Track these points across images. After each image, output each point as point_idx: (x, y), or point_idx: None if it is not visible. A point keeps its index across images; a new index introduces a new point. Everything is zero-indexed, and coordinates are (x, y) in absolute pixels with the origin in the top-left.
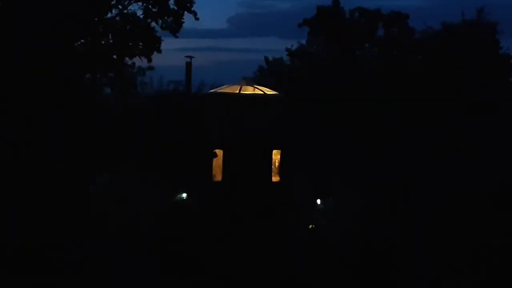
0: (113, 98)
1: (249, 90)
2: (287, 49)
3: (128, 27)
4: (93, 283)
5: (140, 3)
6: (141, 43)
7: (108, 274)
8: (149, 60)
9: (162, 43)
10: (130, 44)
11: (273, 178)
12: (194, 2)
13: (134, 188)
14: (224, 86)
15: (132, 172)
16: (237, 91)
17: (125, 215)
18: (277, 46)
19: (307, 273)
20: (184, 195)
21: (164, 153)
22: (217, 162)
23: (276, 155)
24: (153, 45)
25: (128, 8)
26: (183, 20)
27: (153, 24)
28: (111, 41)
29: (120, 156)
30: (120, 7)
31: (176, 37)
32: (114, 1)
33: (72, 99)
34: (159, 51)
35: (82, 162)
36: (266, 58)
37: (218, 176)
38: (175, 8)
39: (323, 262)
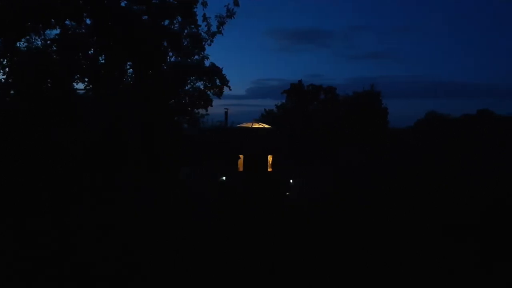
0: (187, 130)
1: (256, 125)
2: (276, 105)
3: (195, 94)
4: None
5: (201, 82)
6: (202, 102)
7: (192, 218)
8: (206, 110)
9: (213, 102)
10: (197, 102)
11: (268, 169)
12: (229, 81)
13: (202, 175)
14: (244, 123)
15: (201, 167)
16: (251, 126)
17: (198, 188)
18: (271, 103)
19: (285, 213)
20: (224, 178)
21: (215, 157)
22: (240, 161)
23: (270, 158)
24: (208, 103)
25: (196, 83)
26: (223, 90)
27: (208, 92)
28: (187, 100)
29: (195, 160)
30: (191, 83)
31: (220, 98)
32: (189, 80)
33: (172, 132)
34: (211, 106)
35: (176, 161)
36: (265, 109)
37: (240, 168)
38: (220, 84)
39: (291, 210)
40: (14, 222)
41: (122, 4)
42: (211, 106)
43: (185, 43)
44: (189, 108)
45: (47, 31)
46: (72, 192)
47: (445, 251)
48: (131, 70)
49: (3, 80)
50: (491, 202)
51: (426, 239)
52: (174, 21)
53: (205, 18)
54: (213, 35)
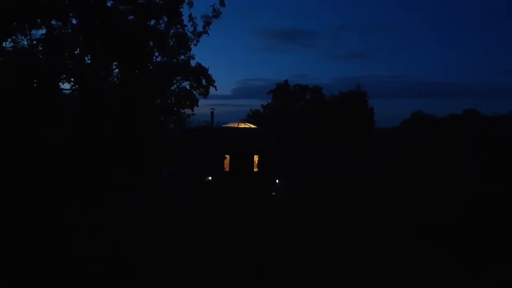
0: (173, 130)
1: (242, 125)
2: (261, 105)
3: (182, 94)
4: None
5: (187, 82)
6: (188, 102)
7: (180, 217)
8: (192, 110)
9: (199, 101)
10: (183, 102)
11: (254, 169)
12: (215, 81)
13: (188, 175)
14: (230, 123)
15: (186, 167)
16: (237, 125)
17: (181, 188)
18: (256, 103)
19: (272, 213)
20: (210, 177)
21: (201, 157)
22: (226, 161)
23: (256, 158)
24: (194, 103)
25: (182, 84)
26: (209, 90)
27: (194, 92)
28: (173, 100)
29: (180, 160)
30: (177, 83)
31: (206, 98)
32: (175, 80)
33: (157, 132)
34: (197, 106)
35: (158, 161)
36: (251, 109)
37: (227, 168)
38: (206, 84)
39: (278, 210)
40: (5, 222)
41: (108, 4)
42: (197, 106)
43: (171, 43)
44: (175, 108)
45: (33, 31)
46: (63, 192)
47: (432, 251)
48: (117, 70)
49: None
50: (474, 202)
51: (412, 239)
52: (160, 21)
53: (191, 18)
54: (199, 35)
